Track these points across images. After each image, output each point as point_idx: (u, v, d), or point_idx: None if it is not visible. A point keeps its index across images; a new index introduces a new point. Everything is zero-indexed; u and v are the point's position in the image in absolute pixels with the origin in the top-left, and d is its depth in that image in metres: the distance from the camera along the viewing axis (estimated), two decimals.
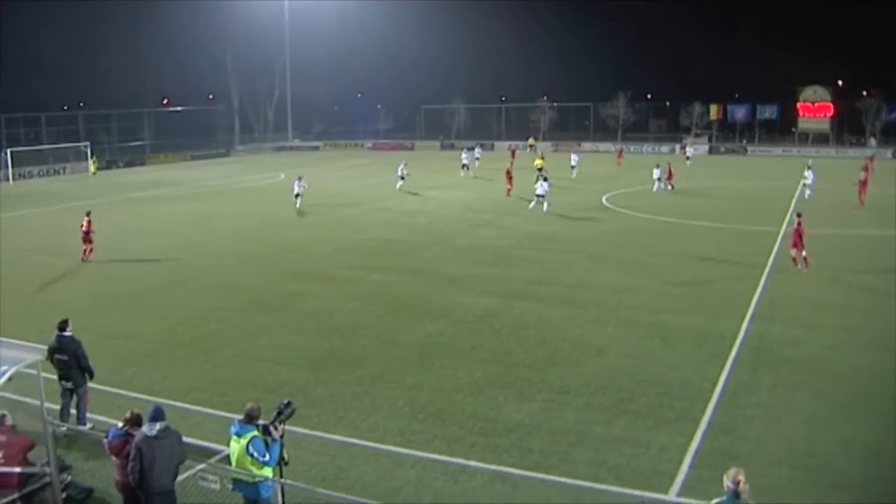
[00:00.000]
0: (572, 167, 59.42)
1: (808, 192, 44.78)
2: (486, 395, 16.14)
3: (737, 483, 8.84)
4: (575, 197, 46.65)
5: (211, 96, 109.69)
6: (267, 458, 10.41)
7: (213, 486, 10.71)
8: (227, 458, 11.02)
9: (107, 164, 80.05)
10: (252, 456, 10.36)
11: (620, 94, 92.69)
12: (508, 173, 48.28)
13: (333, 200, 45.94)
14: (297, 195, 44.11)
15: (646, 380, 16.79)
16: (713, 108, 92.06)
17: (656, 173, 49.70)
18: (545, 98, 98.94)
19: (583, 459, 13.32)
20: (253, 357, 18.96)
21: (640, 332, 20.14)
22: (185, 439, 11.23)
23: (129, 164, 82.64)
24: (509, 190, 47.10)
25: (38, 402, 12.56)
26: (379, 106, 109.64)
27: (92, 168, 71.71)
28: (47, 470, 12.28)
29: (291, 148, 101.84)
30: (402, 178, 51.15)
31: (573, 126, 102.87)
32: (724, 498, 8.87)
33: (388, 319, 21.87)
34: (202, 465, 11.18)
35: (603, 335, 19.98)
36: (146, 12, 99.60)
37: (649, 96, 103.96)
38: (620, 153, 72.02)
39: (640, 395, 15.99)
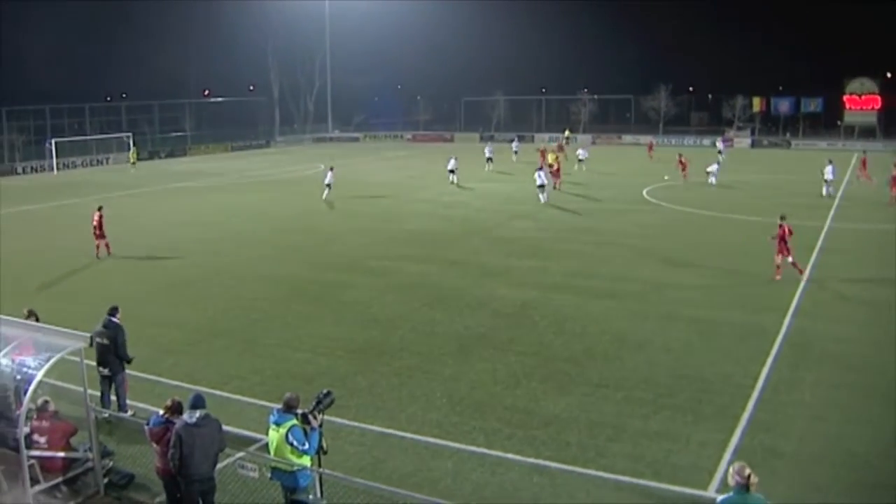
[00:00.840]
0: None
1: (826, 189, 43.33)
2: (524, 388, 16.12)
3: (746, 477, 8.71)
4: (615, 190, 46.33)
5: (252, 87, 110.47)
6: (306, 446, 10.48)
7: (251, 474, 10.83)
8: (266, 447, 11.10)
9: (149, 155, 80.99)
10: (291, 445, 10.43)
11: (661, 86, 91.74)
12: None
13: (373, 191, 46.09)
14: (327, 184, 44.72)
15: (685, 374, 16.64)
16: (756, 101, 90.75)
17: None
18: (586, 90, 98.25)
19: (621, 454, 13.25)
20: (292, 347, 19.11)
21: (680, 327, 19.96)
22: (225, 427, 11.33)
23: (170, 155, 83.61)
24: (557, 183, 46.62)
25: (80, 389, 12.82)
26: (419, 97, 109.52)
27: (132, 158, 72.45)
28: (90, 455, 12.51)
29: (331, 139, 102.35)
30: (453, 171, 50.55)
31: (614, 119, 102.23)
32: (732, 494, 8.77)
33: (426, 311, 21.91)
34: (241, 454, 11.29)
35: (643, 329, 19.84)
36: (188, 4, 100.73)
37: (691, 89, 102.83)
38: (651, 147, 71.39)
39: (679, 389, 15.85)
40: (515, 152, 66.49)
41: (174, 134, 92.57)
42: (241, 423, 14.19)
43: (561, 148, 68.46)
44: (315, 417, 10.65)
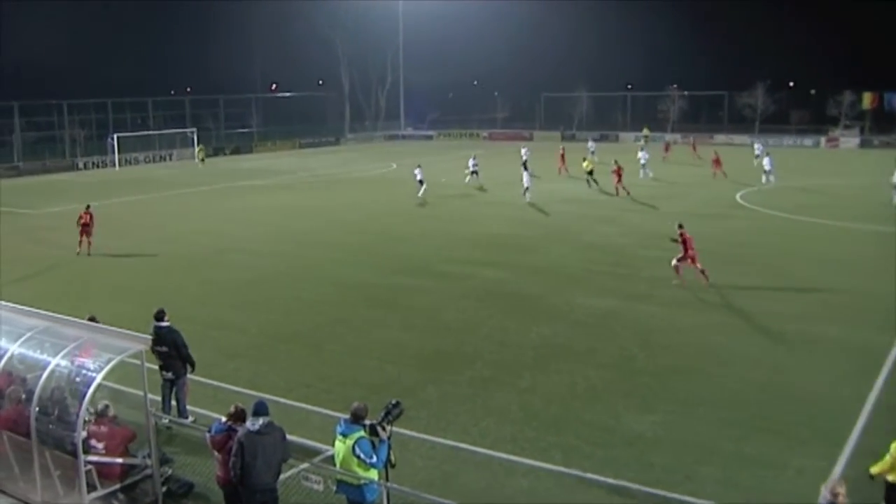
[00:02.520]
0: (591, 153, 59.80)
1: None
2: (605, 403, 15.93)
3: (835, 495, 8.38)
4: (707, 193, 45.55)
5: (321, 82, 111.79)
6: (374, 459, 10.46)
7: (316, 486, 10.87)
8: (332, 459, 11.14)
9: (213, 151, 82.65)
10: (358, 457, 10.42)
11: (758, 82, 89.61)
12: (591, 172, 47.56)
13: (446, 192, 46.20)
14: (420, 181, 45.17)
15: (782, 394, 16.21)
16: (866, 97, 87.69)
17: (767, 163, 49.29)
18: (675, 86, 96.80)
19: (710, 478, 12.95)
20: (360, 354, 19.24)
21: (775, 341, 19.48)
22: (289, 437, 11.40)
23: (235, 152, 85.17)
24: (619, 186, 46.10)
25: (140, 393, 13.07)
26: (496, 93, 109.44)
27: (199, 155, 73.91)
28: (148, 462, 12.73)
29: (403, 137, 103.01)
30: (475, 173, 49.99)
31: (705, 117, 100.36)
32: None
33: (501, 318, 21.84)
34: (305, 465, 11.37)
35: (734, 343, 19.42)
36: None
37: (791, 84, 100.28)
38: (667, 147, 69.27)
39: (775, 410, 15.43)
40: (592, 153, 65.69)
41: (240, 130, 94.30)
42: (305, 433, 14.29)
43: (667, 148, 67.79)
44: (384, 429, 10.62)
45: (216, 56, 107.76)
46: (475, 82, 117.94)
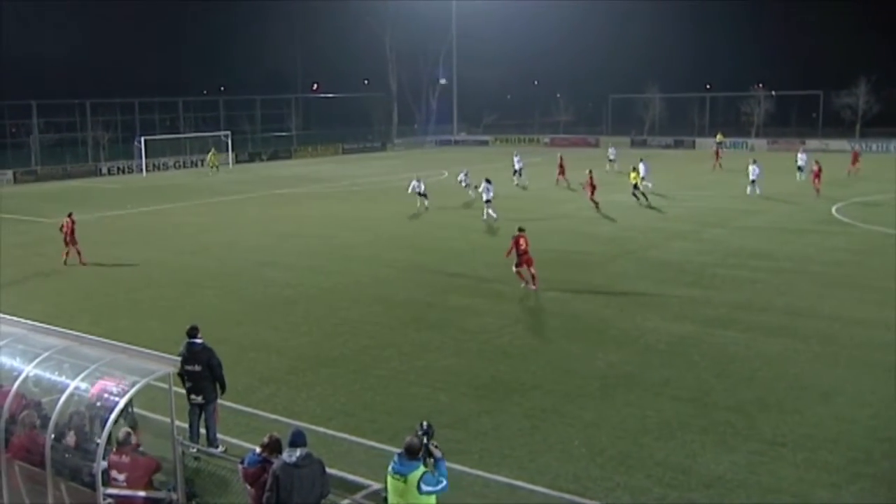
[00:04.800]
0: (610, 161, 60.49)
1: None
2: (679, 440, 15.71)
3: None
4: (798, 206, 44.93)
5: (366, 82, 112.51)
6: (441, 484, 10.47)
7: None
8: (376, 494, 11.12)
9: (248, 157, 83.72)
10: (427, 493, 10.37)
11: (862, 78, 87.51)
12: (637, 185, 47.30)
13: (502, 204, 46.08)
14: (421, 194, 45.95)
15: (887, 437, 15.78)
16: None
17: (753, 171, 49.45)
18: (761, 85, 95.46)
19: None
20: (407, 380, 19.26)
21: (878, 376, 19.00)
22: (329, 470, 11.40)
23: (273, 157, 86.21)
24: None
25: (165, 419, 13.18)
26: (558, 95, 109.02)
27: (212, 162, 74.57)
28: (174, 497, 12.81)
29: (456, 142, 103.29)
30: (423, 195, 47.58)
31: (796, 119, 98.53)
32: None
33: (563, 343, 21.73)
34: (346, 501, 11.39)
35: (829, 376, 19.04)
36: None
37: None
38: (718, 153, 68.36)
39: (879, 455, 15.03)
40: (612, 161, 65.82)
41: (278, 133, 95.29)
42: (346, 466, 14.29)
43: (718, 154, 67.15)
44: (436, 447, 10.69)
45: (253, 53, 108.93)
46: (535, 82, 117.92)
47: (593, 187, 45.15)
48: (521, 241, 27.03)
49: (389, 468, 10.62)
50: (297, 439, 11.05)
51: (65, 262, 33.24)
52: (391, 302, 26.40)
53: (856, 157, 60.17)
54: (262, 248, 35.70)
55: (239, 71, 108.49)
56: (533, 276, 27.02)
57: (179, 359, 13.82)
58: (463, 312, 24.95)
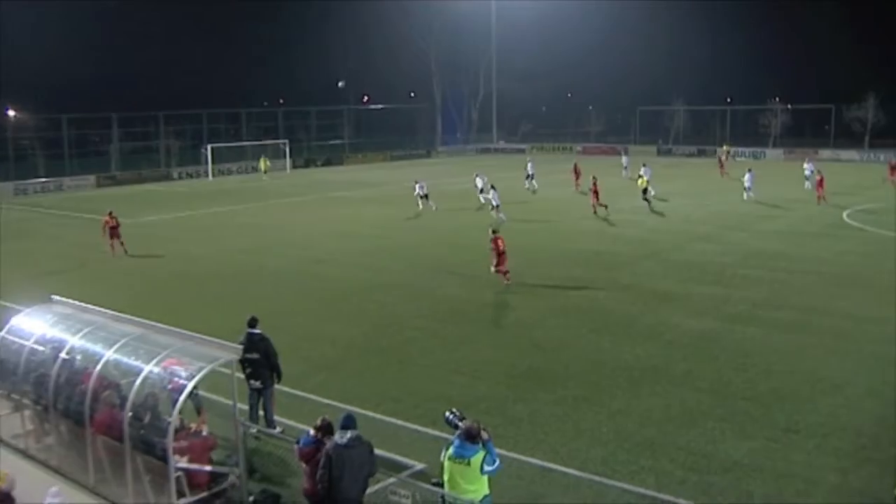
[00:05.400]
0: (624, 168, 60.15)
1: None
2: (701, 428, 15.61)
3: None
4: (811, 212, 44.35)
5: (413, 94, 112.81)
6: (497, 462, 10.64)
7: (404, 501, 10.94)
8: (420, 474, 11.15)
9: (304, 163, 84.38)
10: (488, 473, 10.53)
11: (871, 93, 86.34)
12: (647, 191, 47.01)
13: (538, 206, 46.06)
14: (423, 196, 46.49)
15: (894, 425, 15.59)
16: None
17: (748, 178, 49.18)
18: (777, 99, 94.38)
19: None
20: (449, 369, 19.31)
21: (886, 369, 18.70)
22: (376, 450, 11.48)
23: (326, 163, 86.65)
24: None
25: (227, 402, 13.35)
26: (590, 107, 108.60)
27: (263, 167, 75.32)
28: (235, 471, 12.97)
29: (496, 150, 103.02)
30: (425, 196, 47.73)
31: (810, 131, 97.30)
32: None
33: (593, 337, 21.66)
34: (392, 480, 11.44)
35: (840, 369, 18.80)
36: (348, 8, 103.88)
37: None
38: (722, 163, 67.56)
39: (885, 442, 14.84)
40: (625, 168, 65.36)
41: (331, 141, 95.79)
42: (392, 447, 14.38)
43: (722, 164, 66.52)
44: (485, 429, 10.78)
45: (308, 68, 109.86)
46: (569, 95, 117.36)
47: (596, 193, 44.74)
48: (500, 242, 27.50)
49: (449, 452, 10.64)
50: (348, 422, 11.17)
51: (113, 254, 34.72)
52: (435, 297, 26.47)
53: (893, 169, 58.49)
54: (316, 247, 35.90)
55: (296, 84, 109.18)
56: (504, 273, 27.46)
57: (241, 347, 13.96)
58: (500, 308, 25.00)
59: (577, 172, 56.08)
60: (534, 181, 56.41)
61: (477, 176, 51.74)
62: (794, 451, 14.60)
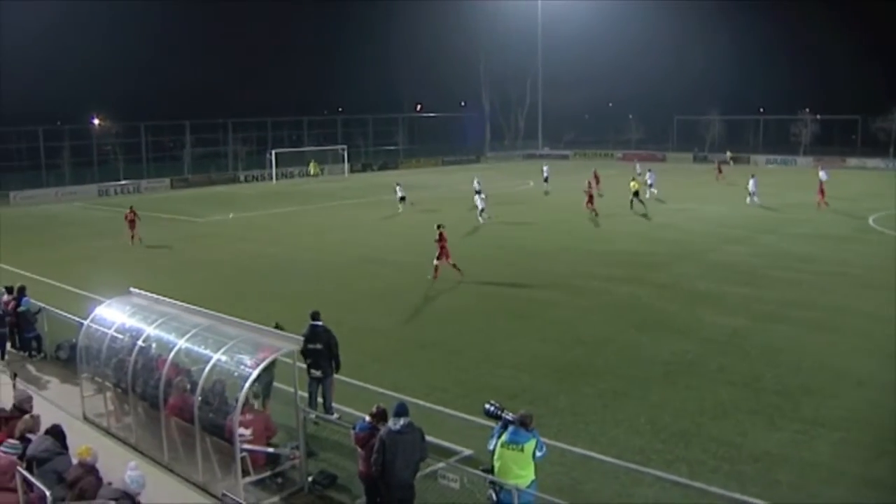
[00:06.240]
0: (637, 174, 57.98)
1: None
2: (732, 420, 15.47)
3: None
4: (838, 216, 43.53)
5: (463, 104, 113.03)
6: (544, 449, 10.80)
7: (453, 485, 10.99)
8: (467, 459, 11.20)
9: (361, 167, 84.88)
10: (539, 459, 10.66)
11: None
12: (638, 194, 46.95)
13: (582, 209, 45.75)
14: (401, 198, 47.34)
15: None
16: None
17: (752, 184, 48.39)
18: (807, 110, 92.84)
19: (836, 499, 12.43)
20: (495, 362, 19.32)
21: None
22: (427, 437, 11.55)
23: (382, 167, 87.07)
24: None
25: (289, 389, 13.52)
26: (630, 116, 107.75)
27: (313, 170, 76.70)
28: (296, 453, 13.14)
29: (541, 156, 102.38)
30: (402, 199, 48.79)
31: (837, 140, 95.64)
32: None
33: (633, 334, 21.54)
34: (442, 464, 11.51)
35: (865, 367, 18.46)
36: (401, 21, 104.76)
37: None
38: (720, 168, 66.80)
39: None
40: (640, 174, 63.73)
41: (387, 147, 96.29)
42: (442, 434, 14.45)
43: (720, 169, 65.72)
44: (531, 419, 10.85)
45: (366, 79, 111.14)
46: (610, 104, 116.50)
47: (591, 197, 45.03)
48: (444, 235, 28.29)
49: (503, 438, 10.66)
50: (401, 410, 11.26)
51: (131, 243, 37.87)
52: (483, 294, 26.51)
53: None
54: (372, 246, 36.10)
55: (355, 94, 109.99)
56: (454, 266, 28.05)
57: (303, 338, 14.11)
58: (545, 305, 24.92)
59: (596, 178, 55.86)
60: (548, 184, 57.54)
61: (476, 180, 52.21)
62: (819, 442, 14.42)
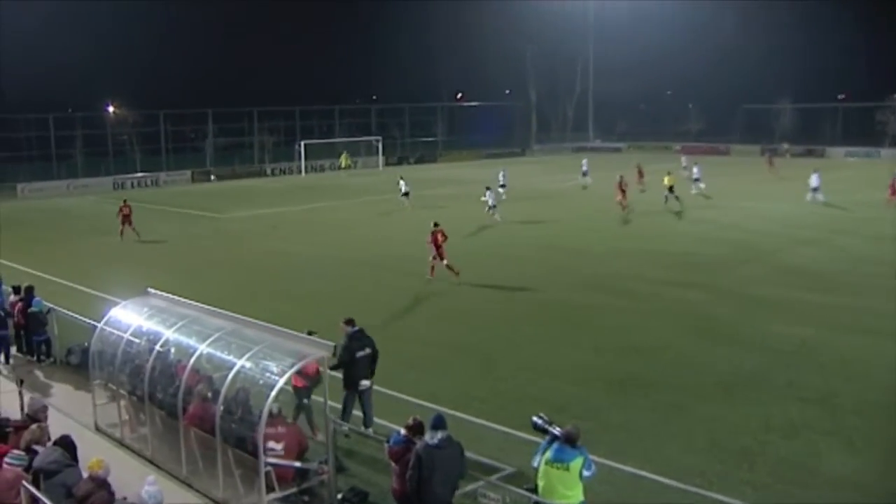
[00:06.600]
0: (683, 167, 58.55)
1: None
2: (804, 440, 15.23)
3: None
4: None
5: (507, 92, 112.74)
6: (593, 468, 10.70)
7: None
8: (509, 477, 11.14)
9: (397, 160, 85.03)
10: (587, 478, 10.58)
11: None
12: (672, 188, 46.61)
13: (636, 207, 45.45)
14: (404, 194, 48.21)
15: None
16: None
17: (815, 180, 47.44)
18: None
19: None
20: (540, 371, 19.27)
21: None
22: (465, 452, 11.51)
23: (419, 161, 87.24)
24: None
25: (317, 399, 13.54)
26: (690, 105, 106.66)
27: (344, 162, 77.18)
28: (325, 468, 13.14)
29: (591, 149, 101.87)
30: (406, 195, 49.88)
31: None
32: None
33: (691, 342, 21.36)
34: (482, 482, 11.48)
35: None
36: (441, 2, 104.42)
37: None
38: (771, 161, 66.01)
39: None
40: (684, 167, 62.46)
41: (424, 139, 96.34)
42: (482, 449, 14.38)
43: (771, 162, 64.93)
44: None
45: (402, 65, 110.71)
46: (669, 92, 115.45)
47: (623, 192, 45.21)
48: (439, 235, 28.64)
49: (547, 456, 10.63)
50: (439, 422, 11.22)
51: (121, 238, 39.20)
52: (530, 298, 26.49)
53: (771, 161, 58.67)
54: (409, 244, 36.07)
55: (390, 81, 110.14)
56: (448, 266, 28.36)
57: (332, 344, 14.01)
58: (598, 310, 24.84)
59: (640, 173, 55.68)
60: (587, 178, 58.11)
61: (500, 172, 52.93)
62: None
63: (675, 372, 19.12)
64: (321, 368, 13.89)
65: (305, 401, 15.24)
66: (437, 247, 28.46)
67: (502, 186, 51.06)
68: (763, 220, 41.98)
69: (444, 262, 28.36)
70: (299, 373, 14.07)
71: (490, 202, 42.72)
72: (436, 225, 29.07)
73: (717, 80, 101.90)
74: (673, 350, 20.79)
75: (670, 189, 46.55)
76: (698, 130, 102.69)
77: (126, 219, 39.73)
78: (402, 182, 49.80)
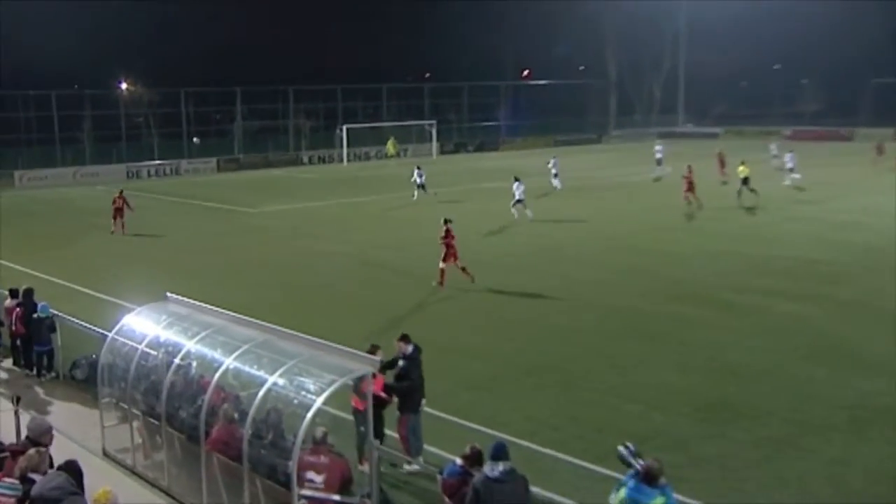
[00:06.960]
0: (774, 156, 59.87)
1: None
2: None
3: None
4: None
5: (582, 68, 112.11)
6: None
7: None
8: None
9: (454, 147, 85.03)
10: None
11: None
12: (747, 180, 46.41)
13: (733, 203, 44.97)
14: (419, 185, 49.51)
15: None
16: None
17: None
18: None
19: None
20: (620, 395, 19.13)
21: None
22: (531, 487, 11.46)
23: (479, 148, 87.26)
24: None
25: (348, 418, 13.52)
26: (804, 81, 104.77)
27: (392, 150, 77.42)
28: (367, 502, 13.12)
29: (681, 134, 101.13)
30: (421, 186, 51.62)
31: None
32: None
33: (804, 365, 20.99)
34: None
35: None
36: None
37: None
38: (881, 149, 64.64)
39: None
40: (775, 156, 63.24)
41: (485, 123, 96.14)
42: (550, 485, 14.27)
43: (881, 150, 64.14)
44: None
45: (459, 37, 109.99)
46: (777, 67, 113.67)
47: (690, 184, 45.42)
48: (451, 233, 29.28)
49: (621, 495, 10.57)
50: (500, 452, 11.14)
51: (112, 233, 40.95)
52: (605, 308, 26.34)
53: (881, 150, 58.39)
54: (464, 246, 35.96)
55: (446, 56, 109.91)
56: (463, 269, 28.95)
57: (378, 359, 14.03)
58: (686, 323, 24.59)
59: (721, 162, 55.65)
60: (662, 167, 59.24)
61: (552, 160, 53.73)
62: None
63: (784, 400, 18.78)
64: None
65: (362, 428, 15.14)
66: (449, 246, 28.69)
67: (555, 176, 51.44)
68: (892, 217, 41.02)
69: (458, 263, 28.83)
70: (359, 394, 14.09)
71: (517, 195, 42.80)
72: (448, 221, 29.33)
73: (838, 51, 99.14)
74: (781, 374, 20.46)
75: (744, 181, 46.28)
76: (814, 112, 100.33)
77: (118, 212, 41.41)
78: (416, 171, 50.86)
